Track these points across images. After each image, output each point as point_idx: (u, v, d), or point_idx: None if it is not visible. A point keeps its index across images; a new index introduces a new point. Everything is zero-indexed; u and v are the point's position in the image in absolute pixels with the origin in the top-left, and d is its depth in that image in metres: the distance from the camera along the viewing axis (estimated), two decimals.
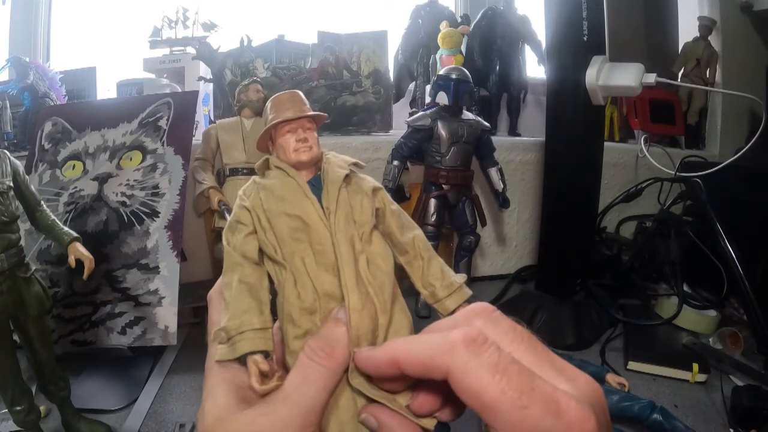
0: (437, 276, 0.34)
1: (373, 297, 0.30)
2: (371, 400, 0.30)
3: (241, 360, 0.28)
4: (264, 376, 0.28)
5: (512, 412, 0.19)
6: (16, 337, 0.56)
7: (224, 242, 0.32)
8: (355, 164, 0.34)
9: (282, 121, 0.33)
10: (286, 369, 0.30)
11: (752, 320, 0.77)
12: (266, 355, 0.29)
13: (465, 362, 0.20)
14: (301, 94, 0.35)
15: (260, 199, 0.31)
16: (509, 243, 1.23)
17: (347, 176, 0.33)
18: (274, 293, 0.32)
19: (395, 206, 0.34)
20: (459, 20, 1.31)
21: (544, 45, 1.13)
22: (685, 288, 0.91)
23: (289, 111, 0.34)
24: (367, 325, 0.29)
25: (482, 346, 0.20)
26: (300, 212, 0.31)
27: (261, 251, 0.31)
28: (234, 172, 0.93)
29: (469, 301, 0.35)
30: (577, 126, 0.85)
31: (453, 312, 0.34)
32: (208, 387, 0.27)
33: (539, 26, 1.26)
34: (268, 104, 0.35)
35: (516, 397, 0.19)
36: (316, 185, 0.32)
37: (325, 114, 0.36)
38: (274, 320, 0.31)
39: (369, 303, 0.30)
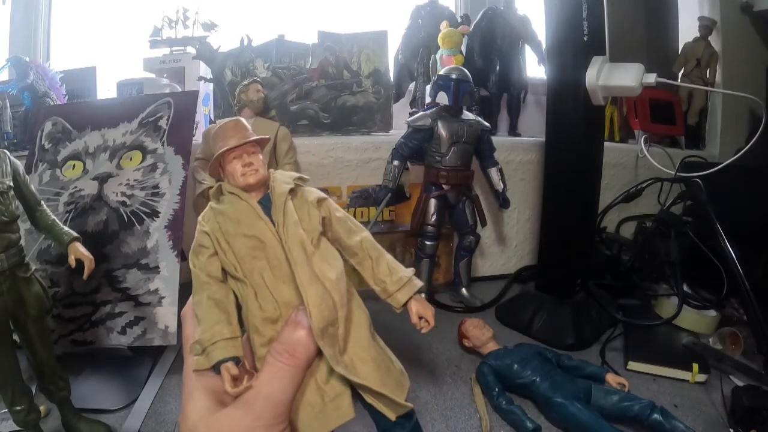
0: (386, 273, 0.37)
1: (330, 291, 0.33)
2: (351, 388, 0.33)
3: (216, 368, 0.31)
4: (235, 379, 0.30)
5: None
6: (16, 337, 0.56)
7: (191, 264, 0.35)
8: (300, 178, 0.37)
9: (226, 150, 0.36)
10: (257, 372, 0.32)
11: (752, 320, 0.77)
12: (237, 361, 0.32)
13: None
14: (243, 121, 0.38)
15: (218, 223, 0.34)
16: (509, 243, 1.23)
17: (292, 190, 0.35)
18: (239, 306, 0.34)
19: (341, 213, 0.37)
20: (459, 20, 1.31)
21: (544, 45, 1.13)
22: (685, 288, 0.91)
23: (232, 139, 0.36)
24: (327, 318, 0.32)
25: None
26: (256, 232, 0.33)
27: (224, 270, 0.34)
28: None
29: (420, 291, 0.38)
30: (577, 126, 0.85)
31: (405, 304, 0.37)
32: (187, 393, 0.31)
33: (539, 26, 1.26)
34: (216, 133, 0.37)
35: None
36: (266, 204, 0.35)
37: (267, 137, 0.38)
38: (244, 331, 0.34)
39: (327, 297, 0.32)
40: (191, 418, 0.28)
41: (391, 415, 0.33)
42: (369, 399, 0.33)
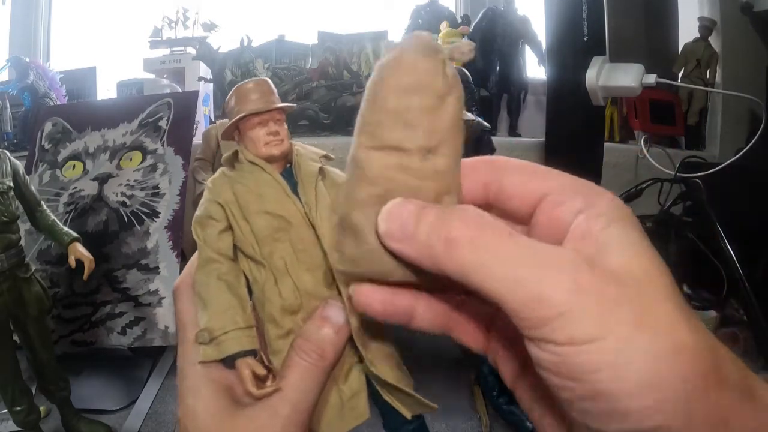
0: None
1: None
2: (374, 391, 0.30)
3: (226, 361, 0.27)
4: (259, 379, 0.27)
5: None
6: (16, 337, 0.56)
7: (195, 236, 0.30)
8: (326, 157, 0.33)
9: (253, 113, 0.31)
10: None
11: (752, 320, 0.77)
12: (254, 354, 0.28)
13: None
14: (269, 82, 0.33)
15: (235, 194, 0.30)
16: None
17: (321, 169, 0.32)
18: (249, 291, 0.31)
19: None
20: (459, 20, 1.31)
21: (544, 45, 1.13)
22: (685, 288, 0.91)
23: (258, 102, 0.32)
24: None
25: None
26: (283, 212, 0.30)
27: (235, 247, 0.30)
28: None
29: None
30: (577, 126, 0.85)
31: None
32: (189, 387, 0.27)
33: (539, 26, 1.26)
34: (233, 93, 0.33)
35: None
36: (287, 179, 0.31)
37: (294, 105, 0.35)
38: None
39: None
40: (202, 418, 0.25)
41: (407, 413, 0.31)
42: (387, 396, 0.30)
